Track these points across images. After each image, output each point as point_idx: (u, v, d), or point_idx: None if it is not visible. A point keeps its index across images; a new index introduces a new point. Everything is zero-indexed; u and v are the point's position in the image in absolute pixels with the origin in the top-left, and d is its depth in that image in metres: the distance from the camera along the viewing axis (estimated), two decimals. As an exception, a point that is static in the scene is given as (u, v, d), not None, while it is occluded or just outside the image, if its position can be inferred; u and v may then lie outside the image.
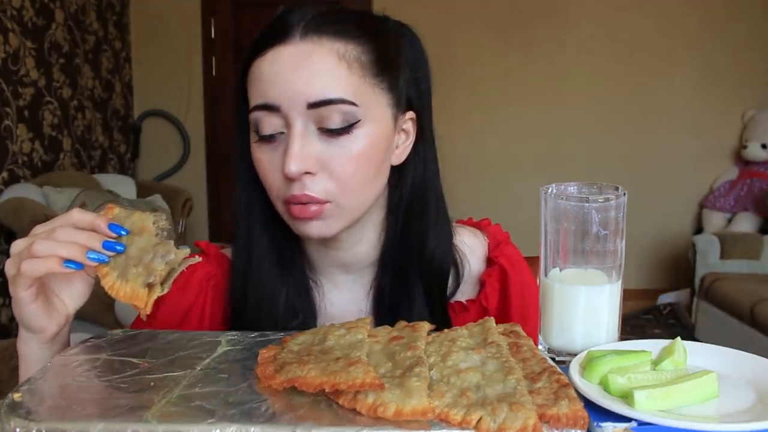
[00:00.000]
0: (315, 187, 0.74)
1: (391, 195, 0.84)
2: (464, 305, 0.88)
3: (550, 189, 0.66)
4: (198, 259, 0.69)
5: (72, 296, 0.73)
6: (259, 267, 0.84)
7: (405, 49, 0.82)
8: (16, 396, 0.53)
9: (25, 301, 0.68)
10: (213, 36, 4.36)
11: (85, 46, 3.84)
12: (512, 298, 0.87)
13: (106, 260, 0.66)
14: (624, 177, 4.02)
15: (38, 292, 0.69)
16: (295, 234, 0.83)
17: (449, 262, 0.87)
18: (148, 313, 0.65)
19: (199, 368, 0.60)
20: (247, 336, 0.68)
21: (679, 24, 4.18)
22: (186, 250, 0.68)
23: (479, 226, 0.95)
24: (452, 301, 0.88)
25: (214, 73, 4.39)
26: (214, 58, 4.38)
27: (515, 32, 4.22)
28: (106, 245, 0.66)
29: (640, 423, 0.49)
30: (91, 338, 0.69)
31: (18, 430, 0.49)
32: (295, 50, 0.73)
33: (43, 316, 0.70)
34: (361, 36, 0.77)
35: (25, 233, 0.70)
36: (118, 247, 0.66)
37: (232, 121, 0.83)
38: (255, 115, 0.75)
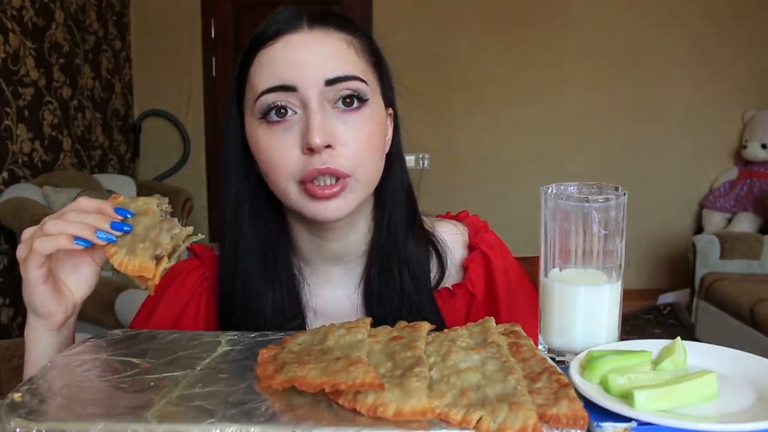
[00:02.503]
0: (335, 161, 0.77)
1: (378, 188, 0.86)
2: (451, 291, 0.91)
3: (550, 189, 0.66)
4: (201, 236, 0.72)
5: (79, 283, 0.75)
6: (246, 265, 0.85)
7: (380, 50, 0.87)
8: (16, 396, 0.53)
9: (35, 282, 0.70)
10: (213, 36, 4.36)
11: (85, 46, 3.84)
12: (497, 281, 0.90)
13: (114, 239, 0.69)
14: (624, 177, 4.02)
15: (48, 275, 0.71)
16: (284, 231, 0.86)
17: (426, 249, 0.90)
18: (156, 283, 0.68)
19: (199, 368, 0.60)
20: (247, 336, 0.68)
21: (680, 24, 4.18)
22: (190, 228, 0.70)
23: (458, 218, 0.98)
24: (440, 288, 0.91)
25: (214, 73, 4.39)
26: (214, 58, 4.37)
27: (516, 31, 4.22)
28: (114, 225, 0.69)
29: (640, 423, 0.49)
30: (91, 338, 0.70)
31: (18, 430, 0.49)
32: (306, 37, 0.78)
33: (51, 300, 0.72)
34: (357, 30, 0.83)
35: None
36: (125, 227, 0.70)
37: (224, 115, 0.85)
38: (266, 98, 0.78)
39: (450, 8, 4.18)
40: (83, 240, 0.69)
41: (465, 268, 0.92)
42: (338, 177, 0.77)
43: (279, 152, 0.78)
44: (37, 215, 2.78)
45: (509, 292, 0.90)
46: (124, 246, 0.69)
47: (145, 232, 0.70)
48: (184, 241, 0.70)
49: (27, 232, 0.71)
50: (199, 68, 4.37)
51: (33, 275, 0.70)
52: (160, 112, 4.42)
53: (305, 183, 0.77)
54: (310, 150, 0.76)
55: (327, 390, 0.52)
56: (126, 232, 0.70)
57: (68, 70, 3.65)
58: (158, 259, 0.68)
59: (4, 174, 3.09)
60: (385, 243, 0.87)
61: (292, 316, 0.86)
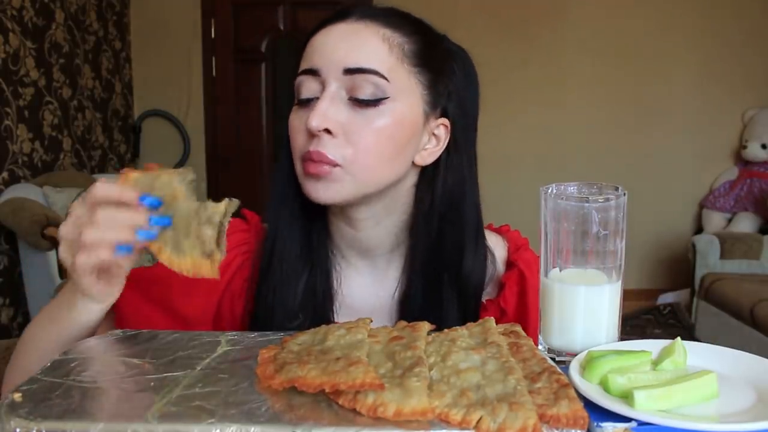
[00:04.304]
0: (331, 149, 0.78)
1: (420, 197, 0.85)
2: (483, 305, 0.89)
3: (550, 189, 0.66)
4: (236, 202, 0.68)
5: (126, 258, 0.71)
6: (285, 244, 0.86)
7: (454, 66, 0.87)
8: (16, 396, 0.53)
9: (88, 287, 0.69)
10: (213, 36, 4.36)
11: (85, 46, 3.84)
12: (530, 300, 0.88)
13: (155, 236, 0.65)
14: (624, 177, 4.02)
15: (99, 272, 0.68)
16: (323, 215, 0.87)
17: (484, 278, 0.88)
18: (218, 278, 0.67)
19: (199, 368, 0.60)
20: (247, 336, 0.68)
21: (679, 24, 4.18)
22: (226, 201, 0.67)
23: (499, 231, 0.97)
24: None
25: (214, 73, 4.39)
26: (214, 58, 4.38)
27: (516, 32, 4.22)
28: (153, 220, 0.65)
29: (640, 423, 0.49)
30: (90, 338, 0.70)
31: (18, 430, 0.49)
32: (347, 27, 0.80)
33: (108, 287, 0.70)
34: (409, 28, 0.83)
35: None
36: (165, 221, 0.65)
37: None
38: (298, 80, 0.81)
39: (450, 8, 4.18)
40: (124, 247, 0.65)
41: (501, 284, 0.90)
42: (327, 163, 0.77)
43: (295, 132, 0.81)
44: (37, 215, 2.78)
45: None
46: (168, 241, 0.65)
47: (186, 225, 0.65)
48: (224, 218, 0.66)
49: (64, 232, 0.67)
50: (199, 68, 4.37)
51: (84, 283, 0.68)
52: (160, 112, 4.42)
53: (304, 161, 0.79)
54: (310, 133, 0.77)
55: (327, 390, 0.52)
56: (166, 227, 0.65)
57: (68, 70, 3.65)
58: (209, 254, 0.65)
59: (4, 174, 3.09)
60: (435, 265, 0.85)
61: (322, 295, 0.86)
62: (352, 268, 0.90)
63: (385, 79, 0.78)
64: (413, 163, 0.84)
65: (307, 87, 0.80)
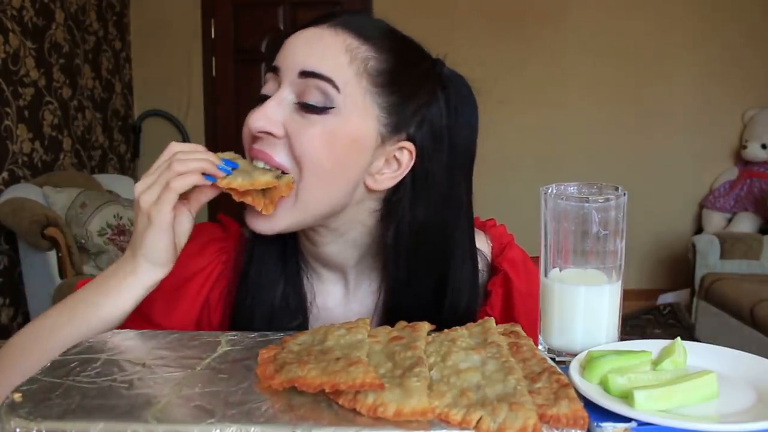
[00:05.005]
0: (273, 149, 0.76)
1: (384, 225, 0.82)
2: None
3: (550, 189, 0.66)
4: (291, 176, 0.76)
5: (179, 236, 0.77)
6: (263, 252, 0.86)
7: (438, 94, 0.82)
8: (16, 396, 0.54)
9: (166, 225, 0.73)
10: (213, 36, 4.36)
11: (85, 46, 3.84)
12: (516, 304, 0.85)
13: (230, 172, 0.74)
14: (624, 177, 4.02)
15: (176, 210, 0.74)
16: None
17: (476, 308, 0.85)
18: (286, 195, 0.74)
19: (199, 368, 0.60)
20: (247, 336, 0.68)
21: (679, 24, 4.18)
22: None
23: (484, 227, 0.93)
24: None
25: (214, 73, 4.39)
26: (214, 58, 4.37)
27: (515, 32, 4.22)
28: (225, 162, 0.75)
29: (640, 423, 0.49)
30: (90, 338, 0.70)
31: (18, 430, 0.49)
32: (315, 31, 0.79)
33: (171, 248, 0.75)
34: (383, 44, 0.79)
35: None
36: (234, 164, 0.75)
37: None
38: (265, 78, 0.81)
39: (450, 8, 4.17)
40: (209, 176, 0.73)
41: (487, 291, 0.87)
42: (272, 166, 0.76)
43: (245, 133, 0.80)
44: (37, 215, 2.78)
45: (528, 314, 0.83)
46: (237, 176, 0.74)
47: (252, 166, 0.76)
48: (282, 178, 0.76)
49: (140, 184, 0.73)
50: (199, 68, 4.37)
51: (166, 218, 0.72)
52: (160, 112, 4.42)
53: None
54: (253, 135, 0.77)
55: (327, 390, 0.52)
56: (234, 168, 0.75)
57: (68, 70, 3.65)
58: (278, 178, 0.74)
59: (4, 174, 3.09)
60: (414, 303, 0.81)
61: (295, 309, 0.86)
62: (323, 280, 0.88)
63: (336, 88, 0.75)
64: (368, 188, 0.79)
65: (268, 85, 0.80)
